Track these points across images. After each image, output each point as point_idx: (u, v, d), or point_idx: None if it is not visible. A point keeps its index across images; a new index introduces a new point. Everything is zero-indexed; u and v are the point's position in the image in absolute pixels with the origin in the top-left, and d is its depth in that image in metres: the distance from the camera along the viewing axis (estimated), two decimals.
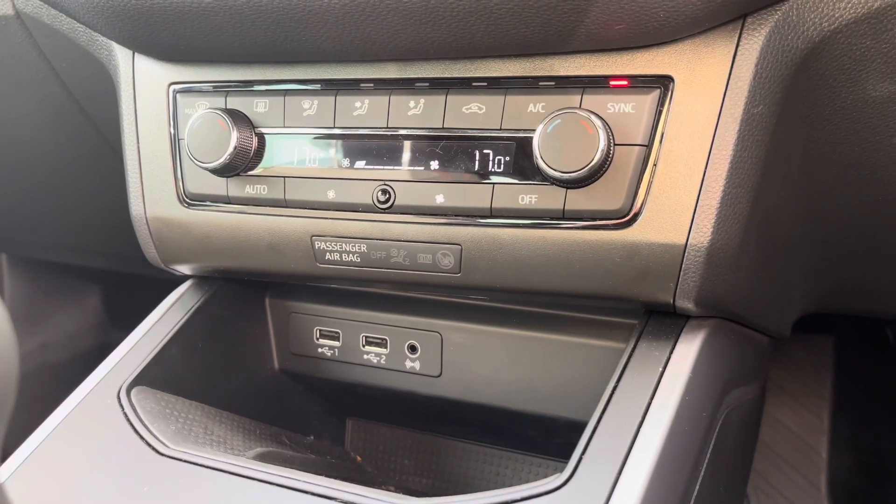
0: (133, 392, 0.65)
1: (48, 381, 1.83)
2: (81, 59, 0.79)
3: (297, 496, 0.54)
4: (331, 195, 0.65)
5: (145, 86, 0.70)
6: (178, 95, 0.69)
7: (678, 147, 0.56)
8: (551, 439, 0.77)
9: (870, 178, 0.64)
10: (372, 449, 0.92)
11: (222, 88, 0.68)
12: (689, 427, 0.55)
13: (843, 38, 0.55)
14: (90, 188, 1.13)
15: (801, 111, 0.58)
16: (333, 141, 0.64)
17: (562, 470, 0.80)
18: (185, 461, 0.57)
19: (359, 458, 0.92)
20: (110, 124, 0.91)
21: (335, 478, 0.61)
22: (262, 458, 0.67)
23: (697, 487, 0.57)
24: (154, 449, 0.58)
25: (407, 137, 0.62)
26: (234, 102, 0.67)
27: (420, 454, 0.89)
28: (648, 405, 0.55)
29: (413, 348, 0.76)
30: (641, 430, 0.53)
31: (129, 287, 1.90)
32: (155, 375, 0.68)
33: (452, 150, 0.61)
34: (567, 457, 0.80)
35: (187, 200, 0.70)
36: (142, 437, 0.59)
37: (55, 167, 1.09)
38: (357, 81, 0.64)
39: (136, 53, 0.71)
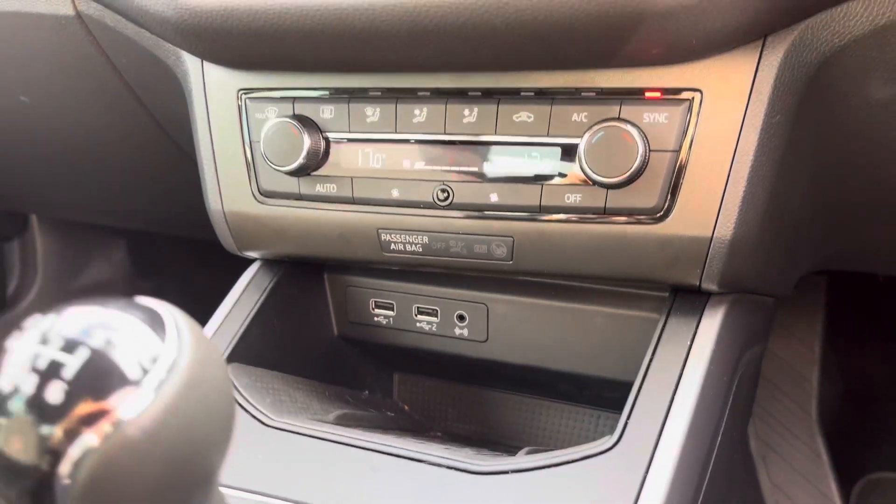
0: (229, 368, 0.75)
1: None
2: (143, 58, 0.85)
3: (390, 460, 0.64)
4: (395, 193, 0.73)
5: (216, 91, 0.77)
6: (247, 101, 0.76)
7: (705, 152, 0.64)
8: (585, 392, 0.88)
9: (871, 167, 0.73)
10: (417, 399, 1.03)
11: (289, 95, 0.75)
12: (714, 391, 0.65)
13: (851, 50, 0.62)
14: (136, 164, 1.20)
15: (812, 115, 0.66)
16: (395, 144, 0.72)
17: (597, 418, 0.92)
18: (289, 431, 0.67)
19: (406, 408, 1.03)
20: (168, 114, 0.98)
21: (401, 430, 0.71)
22: (342, 419, 0.78)
23: (720, 437, 0.68)
24: (260, 421, 0.68)
25: (463, 142, 0.70)
26: (302, 108, 0.74)
27: (463, 403, 1.00)
28: (681, 374, 0.65)
29: (461, 317, 0.85)
30: (676, 395, 0.63)
31: (150, 241, 1.99)
32: (242, 352, 0.78)
33: (504, 154, 0.69)
34: (600, 406, 0.91)
35: (262, 197, 0.78)
36: (247, 411, 0.69)
37: (105, 145, 1.15)
38: (415, 90, 0.71)
39: (204, 61, 0.77)
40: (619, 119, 0.64)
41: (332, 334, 0.93)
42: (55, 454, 0.32)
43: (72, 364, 0.32)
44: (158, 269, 2.09)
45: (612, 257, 0.69)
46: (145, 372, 0.33)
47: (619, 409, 0.81)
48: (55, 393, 0.32)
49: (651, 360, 0.66)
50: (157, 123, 1.00)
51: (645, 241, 0.67)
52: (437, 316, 0.87)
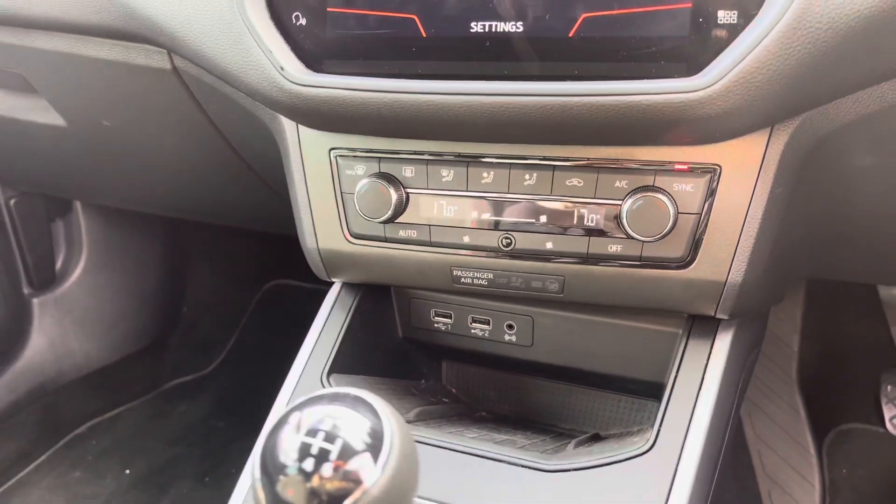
0: (332, 378, 0.92)
1: (132, 302, 2.09)
2: (236, 110, 0.98)
3: (474, 459, 0.82)
4: (465, 239, 0.89)
5: (310, 148, 0.92)
6: (339, 159, 0.90)
7: (722, 214, 0.80)
8: (613, 384, 1.06)
9: (849, 209, 0.90)
10: (463, 384, 1.21)
11: (375, 155, 0.89)
12: (726, 396, 0.84)
13: (841, 132, 0.78)
14: (202, 174, 1.34)
15: (807, 181, 0.82)
16: (467, 199, 0.87)
17: (617, 402, 1.10)
18: None
19: (454, 391, 1.22)
20: (251, 152, 1.12)
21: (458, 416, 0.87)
22: (421, 416, 0.95)
23: (729, 427, 0.86)
24: None
25: (524, 200, 0.86)
26: (387, 167, 0.89)
27: (503, 387, 1.18)
28: (700, 385, 0.83)
29: (510, 326, 1.03)
30: (697, 404, 0.81)
31: (185, 226, 2.13)
32: (338, 363, 0.95)
33: (558, 211, 0.85)
34: (624, 392, 1.09)
35: (352, 238, 0.93)
36: None
37: (176, 161, 1.29)
38: (483, 156, 0.86)
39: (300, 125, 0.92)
40: (653, 188, 0.80)
41: (398, 337, 1.10)
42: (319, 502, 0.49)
43: (330, 447, 0.49)
44: (193, 251, 2.24)
45: (645, 294, 0.86)
46: (376, 451, 0.50)
47: (641, 395, 1.00)
48: (320, 466, 0.49)
49: (676, 377, 0.84)
50: (236, 154, 1.14)
51: (672, 283, 0.84)
52: (489, 324, 1.04)
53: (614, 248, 0.84)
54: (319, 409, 0.51)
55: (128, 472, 1.88)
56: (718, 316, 0.86)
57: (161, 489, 1.83)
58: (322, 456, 0.49)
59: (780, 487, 1.61)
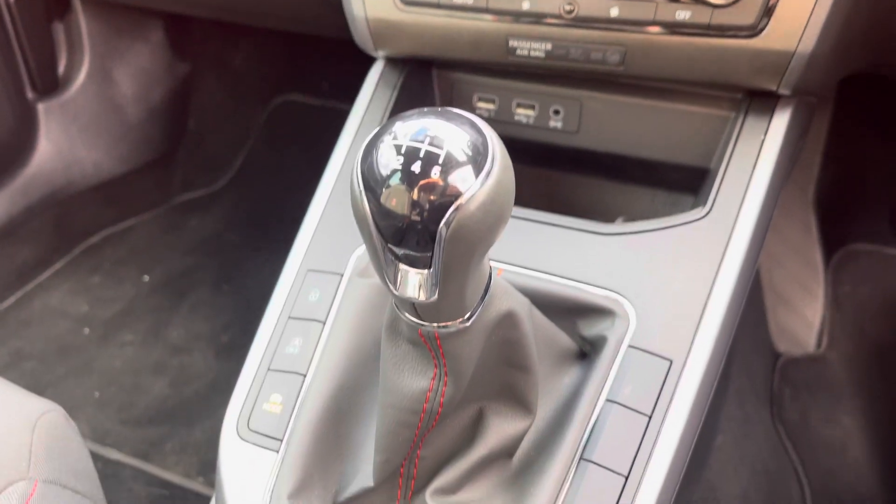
0: None
1: (138, 112, 2.04)
2: None
3: (539, 225, 0.82)
4: (525, 6, 0.85)
5: None
6: None
7: None
8: (654, 175, 1.06)
9: None
10: None
11: None
12: (778, 176, 0.84)
13: None
14: None
15: None
16: None
17: (663, 197, 1.10)
18: None
19: None
20: None
21: None
22: None
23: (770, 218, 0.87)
24: None
25: None
26: None
27: (541, 184, 1.18)
28: (756, 160, 0.83)
29: (556, 112, 1.01)
30: (752, 177, 0.82)
31: (186, 25, 2.04)
32: None
33: None
34: (659, 187, 1.09)
35: (402, 5, 0.89)
36: None
37: None
38: None
39: None
40: None
41: None
42: (421, 211, 0.49)
43: (433, 158, 0.48)
44: (199, 63, 2.16)
45: (709, 66, 0.83)
46: (478, 165, 0.49)
47: (678, 189, 1.00)
48: (425, 173, 0.48)
49: (732, 152, 0.84)
50: None
51: (738, 53, 0.81)
52: (534, 109, 1.02)
53: (682, 14, 0.80)
54: (421, 122, 0.50)
55: (146, 278, 1.91)
56: (781, 91, 0.84)
57: (180, 295, 1.87)
58: (425, 166, 0.48)
59: (785, 302, 1.67)
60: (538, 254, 0.80)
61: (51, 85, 1.88)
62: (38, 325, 1.78)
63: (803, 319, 1.65)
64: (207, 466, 1.50)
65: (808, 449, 1.43)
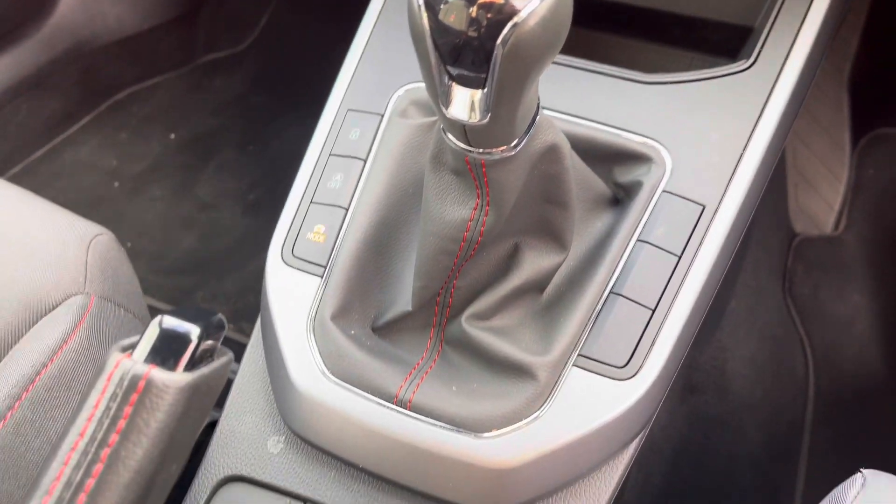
0: None
1: None
2: None
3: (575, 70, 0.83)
4: None
5: None
6: None
7: None
8: (691, 35, 1.05)
9: None
10: None
11: None
12: (826, 34, 0.83)
13: None
14: None
15: None
16: None
17: (700, 61, 1.09)
18: None
19: None
20: None
21: None
22: None
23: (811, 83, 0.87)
24: None
25: None
26: None
27: (585, 42, 1.16)
28: (804, 17, 0.82)
29: None
30: (798, 35, 0.81)
31: None
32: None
33: None
34: (705, 51, 1.08)
35: None
36: None
37: None
38: None
39: None
40: None
41: None
42: (479, 27, 0.50)
43: None
44: None
45: None
46: None
47: (716, 52, 0.99)
48: None
49: (781, 4, 0.83)
50: None
51: None
52: None
53: None
54: None
55: (172, 136, 1.92)
56: None
57: (206, 153, 1.89)
58: None
59: (807, 182, 1.68)
60: (578, 100, 0.81)
61: None
62: (69, 177, 1.81)
63: (824, 200, 1.67)
64: (238, 314, 1.57)
65: (815, 322, 1.48)
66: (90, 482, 0.42)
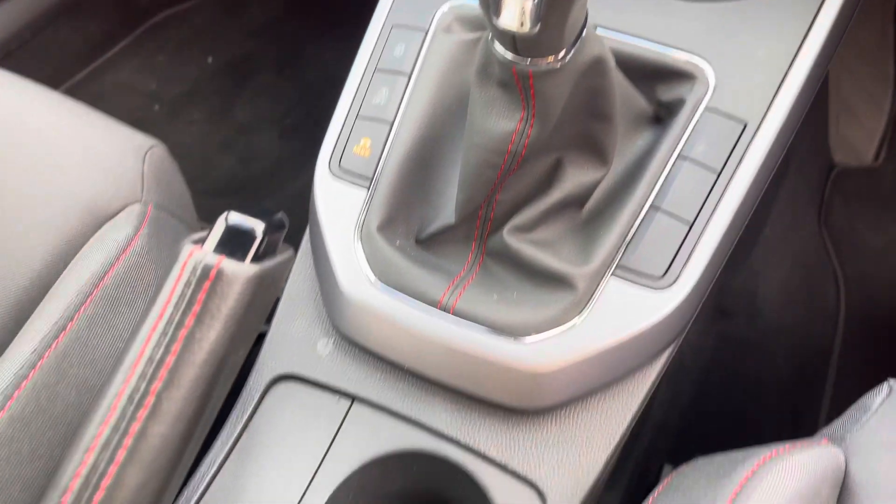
0: None
1: None
2: None
3: None
4: None
5: None
6: None
7: None
8: None
9: None
10: None
11: None
12: None
13: None
14: None
15: None
16: None
17: None
18: None
19: None
20: None
21: None
22: None
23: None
24: None
25: None
26: None
27: None
28: None
29: None
30: None
31: None
32: None
33: None
34: None
35: None
36: None
37: None
38: None
39: None
40: None
41: None
42: None
43: None
44: None
45: None
46: None
47: None
48: None
49: None
50: None
51: None
52: None
53: None
54: None
55: (210, 59, 1.94)
56: None
57: (244, 77, 1.90)
58: None
59: (849, 110, 1.65)
60: (624, 16, 0.81)
61: None
62: (111, 99, 1.84)
63: (865, 130, 1.64)
64: None
65: (849, 252, 1.48)
66: (170, 358, 0.46)
